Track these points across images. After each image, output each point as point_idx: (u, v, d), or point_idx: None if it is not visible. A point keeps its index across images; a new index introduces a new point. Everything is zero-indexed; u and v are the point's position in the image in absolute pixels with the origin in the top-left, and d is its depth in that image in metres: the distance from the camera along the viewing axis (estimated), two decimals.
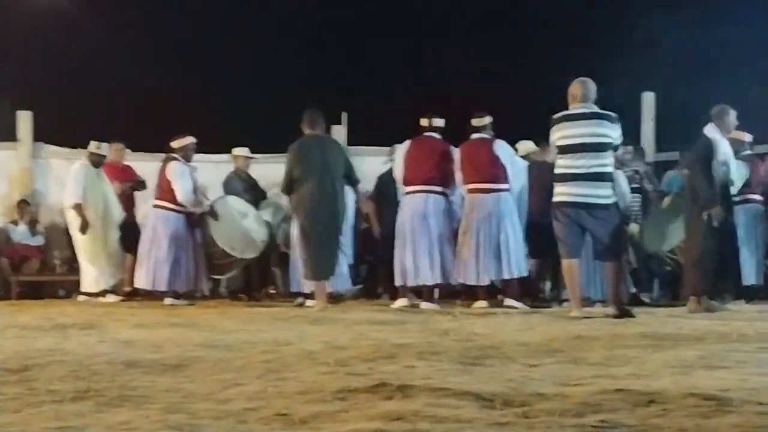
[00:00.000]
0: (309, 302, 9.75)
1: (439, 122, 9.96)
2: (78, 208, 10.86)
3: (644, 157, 11.39)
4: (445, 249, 9.69)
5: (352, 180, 9.82)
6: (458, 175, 9.70)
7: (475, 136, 9.74)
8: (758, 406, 3.15)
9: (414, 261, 9.66)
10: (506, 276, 9.46)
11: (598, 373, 4.07)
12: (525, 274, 9.68)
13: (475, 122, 9.74)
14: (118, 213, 11.23)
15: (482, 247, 9.43)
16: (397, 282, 9.84)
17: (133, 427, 2.90)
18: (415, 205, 9.74)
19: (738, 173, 8.97)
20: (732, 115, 8.71)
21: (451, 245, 9.71)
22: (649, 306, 9.66)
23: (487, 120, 9.76)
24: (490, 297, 9.54)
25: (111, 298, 10.92)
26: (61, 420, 3.04)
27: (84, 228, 10.83)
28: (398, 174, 10.01)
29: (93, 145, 11.20)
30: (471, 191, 9.61)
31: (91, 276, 11.05)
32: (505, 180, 9.57)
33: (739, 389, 3.54)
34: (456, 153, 9.75)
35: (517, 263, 9.50)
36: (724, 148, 8.54)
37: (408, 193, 9.85)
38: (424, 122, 9.95)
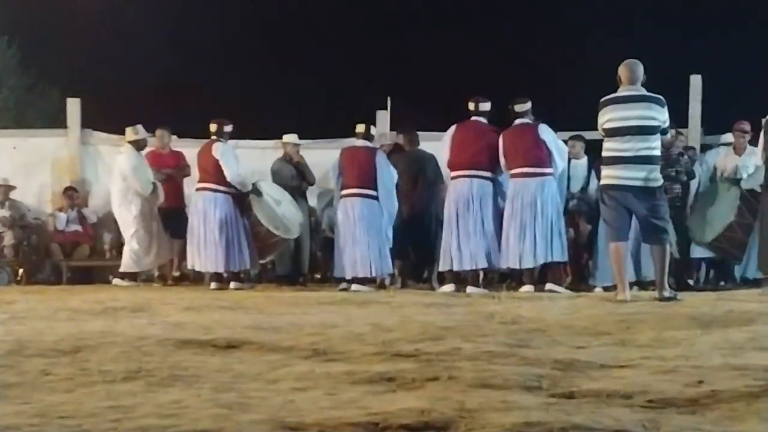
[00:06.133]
0: (354, 287, 9.87)
1: (485, 106, 9.96)
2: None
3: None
4: (490, 234, 9.68)
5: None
6: (502, 161, 9.70)
7: (518, 121, 9.72)
8: None
9: (459, 246, 9.67)
10: (548, 260, 9.44)
11: (646, 355, 4.05)
12: (566, 259, 9.65)
13: (518, 108, 9.72)
14: (156, 199, 11.35)
15: (528, 231, 9.41)
16: (442, 267, 9.86)
17: (184, 405, 2.94)
18: (460, 190, 9.76)
19: None
20: None
21: (497, 230, 9.70)
22: (695, 290, 9.59)
23: (528, 105, 9.74)
24: (538, 282, 9.55)
25: (123, 283, 11.06)
26: (113, 399, 3.08)
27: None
28: (444, 158, 10.05)
29: (130, 132, 11.31)
30: (515, 176, 9.59)
31: (128, 256, 11.21)
32: (549, 164, 9.56)
33: None
34: (500, 140, 9.75)
35: (560, 247, 9.48)
36: None
37: (453, 177, 9.88)
38: (470, 106, 9.96)
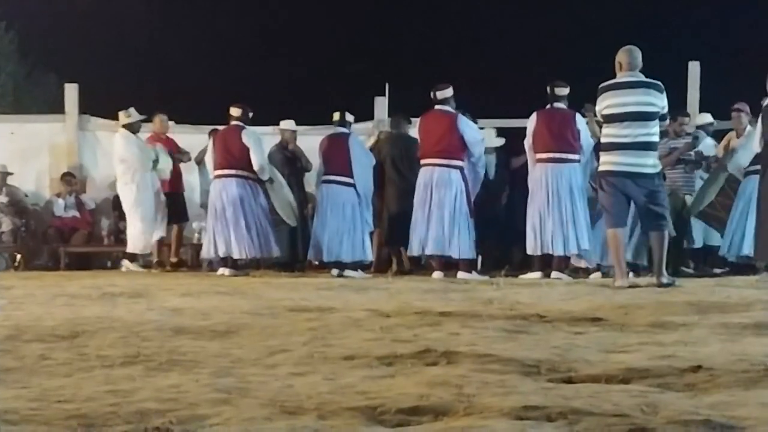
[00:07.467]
0: (349, 272, 9.95)
1: (444, 93, 9.88)
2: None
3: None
4: (449, 221, 9.65)
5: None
6: (528, 141, 9.67)
7: (555, 105, 9.66)
8: None
9: (426, 232, 9.69)
10: (586, 247, 9.46)
11: (644, 341, 4.05)
12: (589, 246, 9.65)
13: (557, 91, 9.63)
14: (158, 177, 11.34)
15: (569, 216, 9.41)
16: (409, 252, 9.95)
17: (182, 390, 2.94)
18: (422, 178, 9.81)
19: None
20: None
21: (465, 216, 9.71)
22: (692, 276, 9.61)
23: (567, 90, 9.70)
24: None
25: (133, 267, 11.02)
26: (112, 383, 3.08)
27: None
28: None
29: (122, 116, 11.27)
30: (545, 160, 9.54)
31: (132, 236, 11.16)
32: (579, 152, 9.56)
33: None
34: (531, 120, 9.72)
35: (588, 236, 9.51)
36: None
37: (421, 166, 9.92)
38: (431, 95, 9.95)
